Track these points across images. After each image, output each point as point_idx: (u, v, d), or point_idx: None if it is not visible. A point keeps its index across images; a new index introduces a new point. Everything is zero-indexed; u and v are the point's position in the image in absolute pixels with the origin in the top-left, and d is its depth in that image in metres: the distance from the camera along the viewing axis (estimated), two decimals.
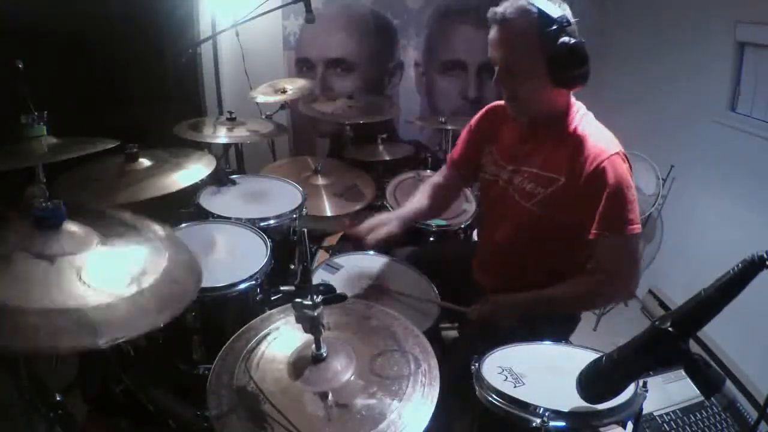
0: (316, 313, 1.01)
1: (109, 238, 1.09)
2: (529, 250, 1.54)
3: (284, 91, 2.56)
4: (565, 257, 1.52)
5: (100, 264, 1.01)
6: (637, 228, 1.35)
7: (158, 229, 1.21)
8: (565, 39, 1.31)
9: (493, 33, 1.39)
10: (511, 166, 1.55)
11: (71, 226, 1.05)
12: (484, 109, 1.72)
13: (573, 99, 1.49)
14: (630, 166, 1.41)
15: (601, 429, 1.05)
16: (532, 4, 1.32)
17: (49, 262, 0.95)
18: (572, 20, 1.34)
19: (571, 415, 1.06)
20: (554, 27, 1.30)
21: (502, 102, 1.59)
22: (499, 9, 1.35)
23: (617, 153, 1.38)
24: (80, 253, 1.01)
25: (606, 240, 1.35)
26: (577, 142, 1.40)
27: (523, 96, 1.43)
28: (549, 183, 1.44)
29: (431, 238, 2.18)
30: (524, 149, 1.52)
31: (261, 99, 2.52)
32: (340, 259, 1.79)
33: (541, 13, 1.31)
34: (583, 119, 1.46)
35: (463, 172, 1.79)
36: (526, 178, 1.50)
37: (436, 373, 1.07)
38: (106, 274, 0.99)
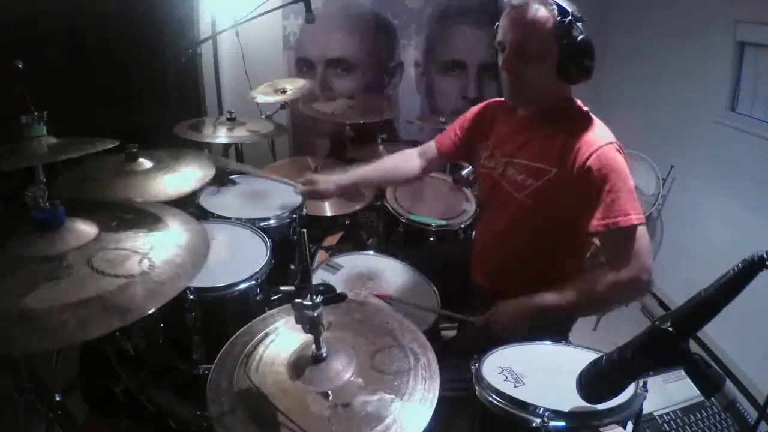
0: (315, 313, 1.01)
1: (111, 225, 1.11)
2: (523, 244, 1.52)
3: (284, 91, 2.56)
4: (561, 252, 1.51)
5: (108, 250, 1.03)
6: (636, 218, 1.30)
7: (155, 208, 1.25)
8: (578, 32, 1.34)
9: (512, 15, 1.39)
10: (504, 158, 1.55)
11: (72, 222, 1.06)
12: (482, 104, 1.74)
13: (571, 96, 1.49)
14: (625, 158, 1.38)
15: (601, 429, 1.05)
16: None
17: (58, 261, 0.97)
18: (583, 18, 1.37)
19: (571, 415, 1.06)
20: (569, 18, 1.34)
21: (499, 99, 1.61)
22: None
23: (611, 143, 1.36)
24: (86, 244, 1.02)
25: (607, 234, 1.32)
26: (569, 134, 1.39)
27: (527, 79, 1.41)
28: (540, 174, 1.43)
29: (431, 239, 2.18)
30: (518, 141, 1.52)
31: (261, 99, 2.52)
32: (340, 259, 1.79)
33: (558, 5, 1.35)
34: (578, 113, 1.46)
35: (439, 159, 1.86)
36: (518, 169, 1.49)
37: (436, 366, 1.07)
38: (116, 258, 1.01)
